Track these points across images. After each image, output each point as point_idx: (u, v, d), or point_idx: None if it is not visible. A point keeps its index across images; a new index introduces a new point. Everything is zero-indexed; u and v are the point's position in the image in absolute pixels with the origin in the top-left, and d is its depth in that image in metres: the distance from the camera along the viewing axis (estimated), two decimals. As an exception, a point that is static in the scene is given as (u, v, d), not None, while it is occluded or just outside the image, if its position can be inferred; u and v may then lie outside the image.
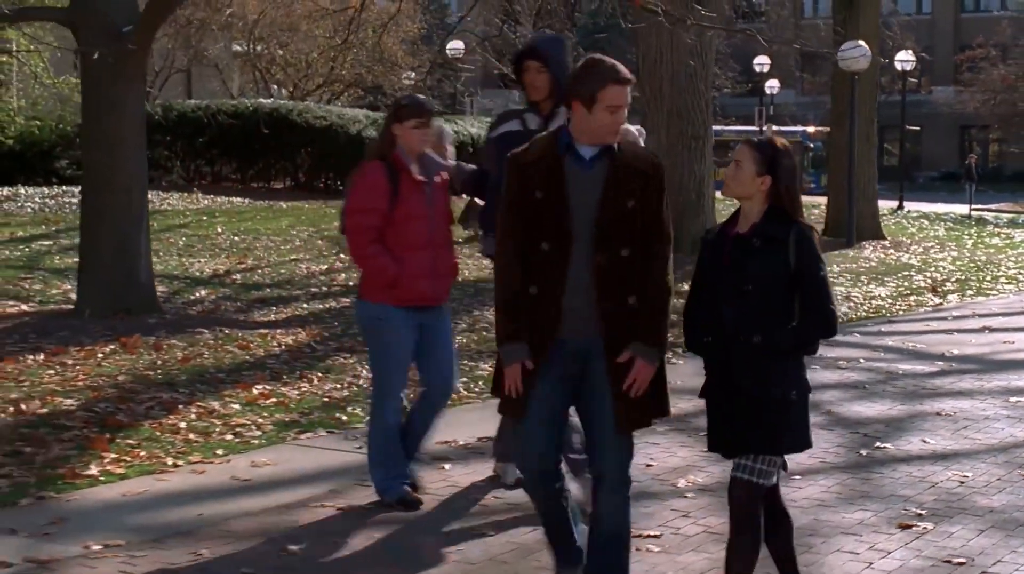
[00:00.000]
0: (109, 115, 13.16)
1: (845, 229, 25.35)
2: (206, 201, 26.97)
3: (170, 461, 7.66)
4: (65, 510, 6.67)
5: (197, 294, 15.41)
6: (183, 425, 8.52)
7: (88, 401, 9.17)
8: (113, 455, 7.70)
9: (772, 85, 50.07)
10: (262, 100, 32.20)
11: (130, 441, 8.07)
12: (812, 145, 56.54)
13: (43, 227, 21.33)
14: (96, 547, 6.06)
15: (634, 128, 6.80)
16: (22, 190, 26.76)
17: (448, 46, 42.05)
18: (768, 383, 4.79)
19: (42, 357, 10.91)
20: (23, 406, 8.91)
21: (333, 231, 22.55)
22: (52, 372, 10.32)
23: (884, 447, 8.35)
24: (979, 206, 41.36)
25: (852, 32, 25.78)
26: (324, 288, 16.48)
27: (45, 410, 8.86)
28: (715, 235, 4.97)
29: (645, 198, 4.93)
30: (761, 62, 46.67)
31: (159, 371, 10.44)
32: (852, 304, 15.91)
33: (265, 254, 19.52)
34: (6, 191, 26.42)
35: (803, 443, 4.93)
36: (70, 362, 10.74)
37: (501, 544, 6.21)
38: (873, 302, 16.27)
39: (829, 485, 7.40)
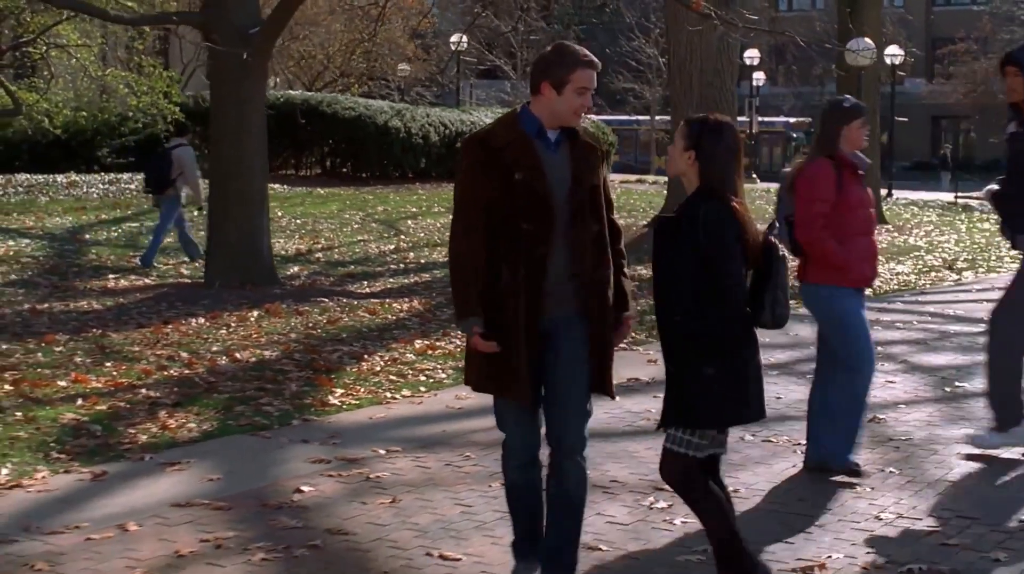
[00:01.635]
0: (236, 110, 14.74)
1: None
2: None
3: (388, 395, 9.30)
4: (333, 428, 8.29)
5: (291, 270, 16.98)
6: (378, 369, 10.15)
7: (283, 353, 10.78)
8: (340, 391, 9.32)
9: (759, 77, 51.84)
10: (291, 92, 33.68)
11: (345, 381, 9.70)
12: (795, 135, 58.47)
13: (118, 211, 22.83)
14: (382, 451, 7.68)
15: None
16: (76, 177, 28.21)
17: (451, 39, 43.63)
18: (684, 359, 4.90)
19: (202, 320, 12.49)
20: (236, 356, 10.53)
21: (381, 215, 24.17)
22: (224, 332, 11.90)
23: (962, 386, 10.05)
24: (962, 194, 43.18)
25: (856, 27, 27.35)
26: (400, 265, 18.07)
27: (254, 359, 10.48)
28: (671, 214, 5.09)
29: (602, 175, 5.18)
30: (752, 55, 48.38)
31: (319, 330, 12.05)
32: (883, 279, 17.65)
33: (333, 236, 21.10)
34: (60, 178, 27.87)
35: (727, 418, 5.02)
36: (232, 324, 12.33)
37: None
38: (899, 277, 18.00)
39: (931, 411, 9.08)
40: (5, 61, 27.91)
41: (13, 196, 24.56)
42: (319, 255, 18.83)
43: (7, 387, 9.14)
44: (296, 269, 17.14)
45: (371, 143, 30.71)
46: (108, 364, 10.13)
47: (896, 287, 16.97)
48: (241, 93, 14.63)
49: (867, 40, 26.13)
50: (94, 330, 11.80)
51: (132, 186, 26.53)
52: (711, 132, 4.91)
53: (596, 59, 5.11)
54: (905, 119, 51.90)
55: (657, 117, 54.60)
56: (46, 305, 13.37)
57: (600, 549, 5.92)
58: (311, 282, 15.97)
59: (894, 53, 40.34)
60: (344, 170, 32.36)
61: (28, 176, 27.64)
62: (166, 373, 9.81)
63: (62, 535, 5.97)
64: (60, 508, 6.44)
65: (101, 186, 26.86)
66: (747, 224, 4.91)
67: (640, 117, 56.84)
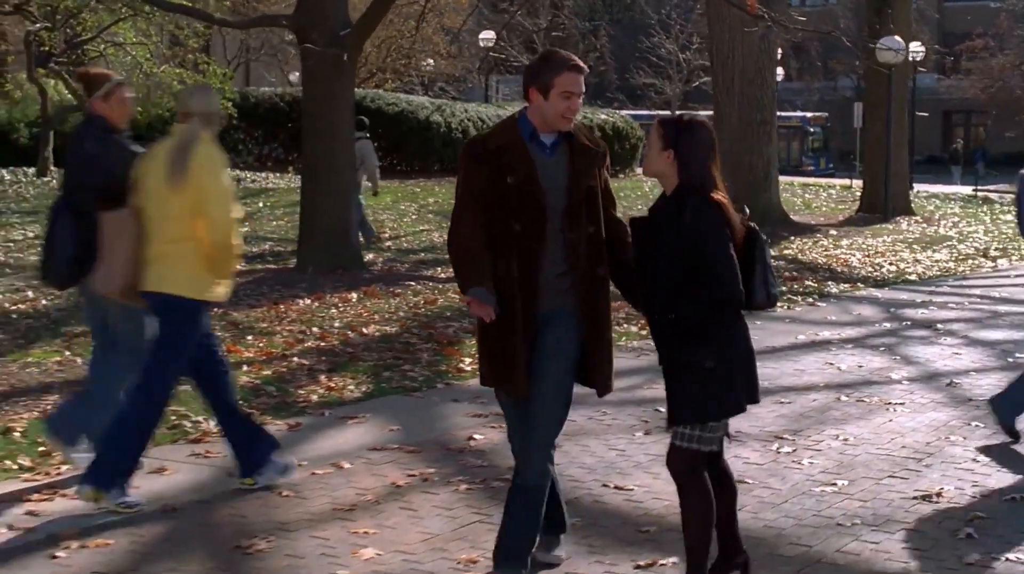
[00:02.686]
0: (327, 107, 15.79)
1: (881, 207, 28.12)
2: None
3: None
4: (474, 390, 9.29)
5: (368, 257, 18.02)
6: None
7: (402, 328, 11.86)
8: (468, 359, 10.38)
9: (779, 73, 52.78)
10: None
11: (471, 351, 10.76)
12: (812, 130, 59.44)
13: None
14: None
15: None
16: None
17: (481, 35, 44.67)
18: (686, 355, 4.90)
19: (308, 301, 13.55)
20: (363, 330, 11.61)
21: (433, 206, 25.23)
22: (335, 311, 12.96)
23: (1022, 357, 11.10)
24: (981, 187, 44.14)
25: (886, 25, 28.28)
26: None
27: (379, 333, 11.56)
28: (645, 214, 5.08)
29: (600, 177, 5.25)
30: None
31: (422, 309, 13.12)
32: (924, 265, 18.71)
33: (396, 225, 22.17)
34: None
35: (729, 409, 5.02)
36: (338, 304, 13.38)
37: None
38: (939, 264, 19.05)
39: (999, 377, 10.10)
40: (63, 59, 28.95)
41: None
42: (389, 243, 19.89)
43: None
44: (371, 256, 18.16)
45: (413, 138, 31.78)
46: (249, 338, 11.18)
47: (937, 273, 17.99)
48: (332, 91, 15.68)
49: (898, 39, 27.11)
50: (213, 310, 12.82)
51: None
52: (687, 131, 4.91)
53: (583, 64, 5.20)
54: (926, 114, 52.94)
55: (677, 112, 55.57)
56: (156, 288, 14.38)
57: (746, 481, 6.98)
58: (389, 268, 17.00)
59: (916, 50, 41.27)
60: (388, 164, 33.41)
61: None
62: (306, 345, 10.88)
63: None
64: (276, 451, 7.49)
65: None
66: (730, 215, 4.92)
67: (661, 112, 57.89)
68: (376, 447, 7.61)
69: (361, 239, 17.70)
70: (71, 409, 6.93)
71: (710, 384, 4.89)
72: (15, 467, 7.06)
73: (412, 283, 15.14)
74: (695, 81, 55.76)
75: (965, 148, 58.88)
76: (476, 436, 7.94)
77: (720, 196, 4.92)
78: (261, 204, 24.13)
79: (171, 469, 7.09)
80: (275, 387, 9.21)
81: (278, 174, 30.90)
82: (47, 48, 28.46)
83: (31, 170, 28.45)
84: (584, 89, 5.19)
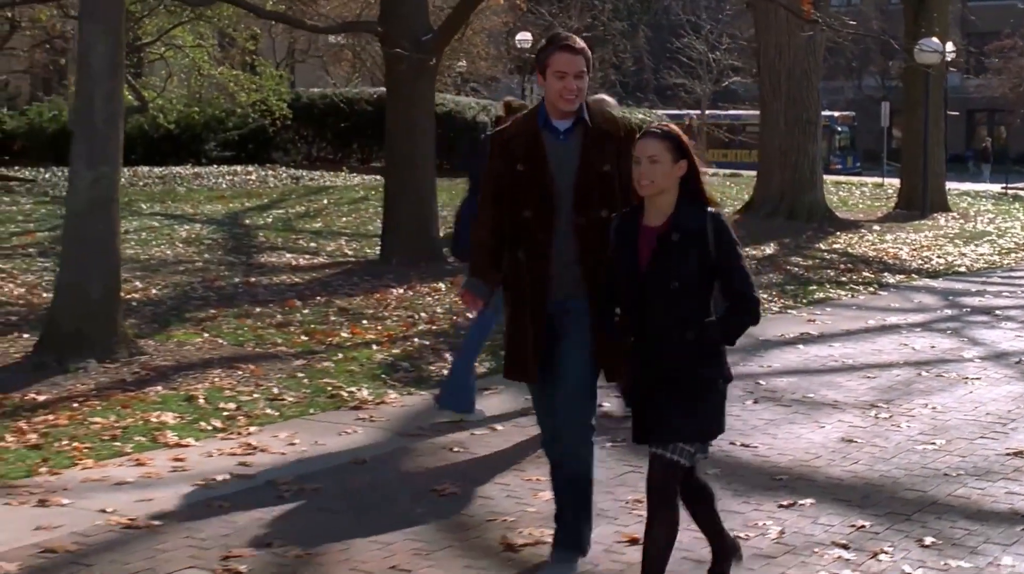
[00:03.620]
0: (410, 108, 16.72)
1: (919, 203, 28.95)
2: (357, 179, 30.52)
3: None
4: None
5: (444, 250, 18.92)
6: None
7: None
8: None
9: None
10: (382, 89, 35.65)
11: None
12: (840, 129, 60.23)
13: (255, 199, 24.88)
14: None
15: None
16: (198, 169, 30.28)
17: (517, 36, 45.58)
18: (702, 375, 4.79)
19: (400, 290, 14.47)
20: (468, 316, 12.52)
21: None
22: (430, 299, 13.88)
23: (1089, 338, 12.01)
24: (1010, 186, 44.88)
25: (925, 25, 28.95)
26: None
27: (481, 317, 12.47)
28: (626, 226, 4.87)
29: (621, 162, 5.12)
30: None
31: (512, 297, 14.03)
32: (971, 258, 19.59)
33: (460, 220, 23.09)
34: (180, 170, 29.95)
35: (719, 429, 4.96)
36: (429, 292, 14.29)
37: None
38: (984, 257, 19.92)
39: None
40: (126, 62, 29.94)
41: (153, 186, 26.62)
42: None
43: (303, 337, 11.15)
44: (446, 249, 19.03)
45: (461, 137, 32.70)
46: (364, 322, 12.12)
47: (984, 265, 18.86)
48: (414, 94, 16.59)
49: (935, 40, 27.91)
50: (317, 298, 13.78)
51: (252, 176, 28.63)
52: (687, 140, 4.81)
53: (580, 45, 5.16)
54: (956, 113, 53.69)
55: (707, 111, 56.43)
56: (253, 279, 15.34)
57: (856, 441, 7.90)
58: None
59: (948, 50, 42.04)
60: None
61: (148, 168, 29.66)
62: (419, 328, 11.81)
63: (452, 433, 7.98)
64: (428, 416, 8.45)
65: (225, 177, 28.92)
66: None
67: (691, 111, 58.73)
68: (521, 413, 8.52)
69: None
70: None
71: (722, 402, 4.89)
72: (209, 428, 8.00)
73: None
74: (724, 81, 56.56)
75: (993, 146, 59.58)
76: (604, 404, 8.84)
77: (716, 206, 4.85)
78: (326, 201, 25.08)
79: (348, 430, 8.02)
80: (408, 364, 10.14)
81: (332, 172, 31.84)
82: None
83: (96, 169, 29.47)
84: (582, 69, 5.11)
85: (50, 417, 8.11)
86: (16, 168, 29.42)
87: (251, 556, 5.66)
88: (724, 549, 5.24)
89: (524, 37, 44.89)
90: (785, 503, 6.59)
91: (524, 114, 5.40)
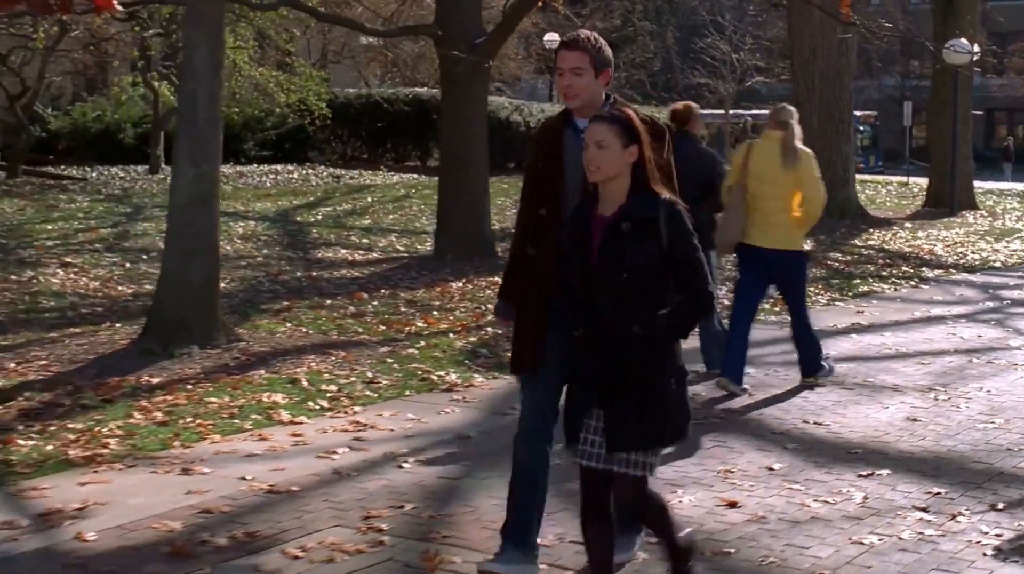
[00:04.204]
0: (464, 109, 17.30)
1: (947, 201, 29.48)
2: (395, 178, 31.14)
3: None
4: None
5: (500, 248, 19.50)
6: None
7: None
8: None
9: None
10: (418, 90, 36.30)
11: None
12: (862, 128, 60.67)
13: (301, 197, 25.50)
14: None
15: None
16: (240, 168, 30.92)
17: (545, 38, 46.14)
18: (650, 374, 4.57)
19: (459, 284, 15.05)
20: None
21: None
22: (489, 292, 14.45)
23: None
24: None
25: (953, 26, 29.47)
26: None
27: (545, 309, 13.06)
28: (579, 216, 4.76)
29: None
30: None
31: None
32: (1005, 254, 20.15)
33: (502, 218, 23.69)
34: (225, 169, 30.60)
35: (683, 431, 4.73)
36: (487, 286, 14.87)
37: None
38: (1017, 253, 20.46)
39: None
40: (170, 63, 30.55)
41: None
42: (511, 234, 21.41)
43: (382, 327, 11.75)
44: (501, 248, 19.60)
45: (495, 137, 33.26)
46: (434, 313, 12.72)
47: (1018, 260, 19.41)
48: (468, 95, 17.18)
49: (964, 41, 28.42)
50: (381, 291, 14.38)
51: (294, 175, 29.28)
52: (639, 125, 4.65)
53: (580, 41, 5.13)
54: (980, 112, 54.14)
55: (731, 111, 56.93)
56: (314, 273, 15.95)
57: (920, 420, 8.48)
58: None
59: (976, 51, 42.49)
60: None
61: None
62: (488, 318, 12.39)
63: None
64: (515, 398, 9.02)
65: (268, 175, 29.57)
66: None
67: (714, 111, 59.22)
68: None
69: None
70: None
71: (677, 404, 4.66)
72: (317, 408, 8.60)
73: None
74: (747, 81, 57.00)
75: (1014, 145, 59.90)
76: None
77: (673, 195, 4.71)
78: (369, 199, 25.67)
79: (445, 410, 8.62)
80: (487, 350, 10.73)
81: (370, 171, 32.44)
82: (154, 53, 30.10)
83: (140, 168, 30.06)
84: (578, 65, 5.08)
85: (168, 397, 8.71)
86: (62, 167, 30.08)
87: (389, 516, 6.25)
88: (679, 555, 4.97)
89: (552, 38, 45.43)
90: (864, 473, 7.16)
91: (559, 112, 5.34)
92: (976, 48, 41.24)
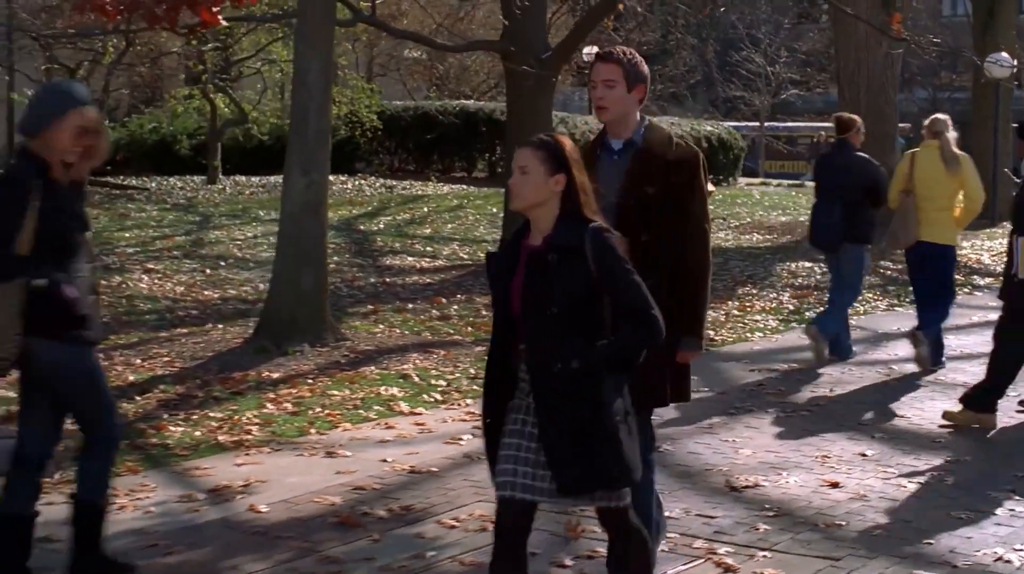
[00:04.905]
0: (530, 119, 17.93)
1: (988, 212, 30.02)
2: (446, 188, 31.81)
3: (748, 334, 12.48)
4: (733, 353, 11.49)
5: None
6: (723, 319, 13.35)
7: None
8: (715, 330, 12.51)
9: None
10: (463, 102, 36.97)
11: (715, 323, 12.89)
12: (899, 140, 61.19)
13: (358, 207, 26.20)
14: (781, 367, 10.88)
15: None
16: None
17: (584, 51, 46.76)
18: (593, 410, 4.31)
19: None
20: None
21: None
22: (562, 297, 15.12)
23: None
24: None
25: (991, 39, 29.96)
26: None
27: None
28: (509, 247, 4.52)
29: (667, 185, 5.03)
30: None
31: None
32: (1051, 263, 20.67)
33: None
34: (279, 179, 31.32)
35: (633, 470, 4.43)
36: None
37: None
38: (1062, 262, 20.98)
39: None
40: (225, 75, 31.32)
41: (259, 194, 28.00)
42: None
43: (469, 328, 12.42)
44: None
45: (538, 147, 33.94)
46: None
47: (1064, 270, 19.92)
48: (535, 108, 17.83)
49: (1005, 55, 28.95)
50: (457, 295, 15.04)
51: (348, 186, 30.00)
52: (571, 152, 4.43)
53: (613, 53, 5.11)
54: (1016, 124, 54.59)
55: (766, 123, 57.54)
56: (388, 279, 16.62)
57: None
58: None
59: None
60: (499, 171, 35.52)
61: (246, 178, 31.04)
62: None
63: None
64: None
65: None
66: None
67: (749, 123, 59.85)
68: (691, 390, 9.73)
69: None
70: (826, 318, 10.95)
71: (627, 436, 4.40)
72: (431, 400, 9.27)
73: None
74: (783, 93, 57.55)
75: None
76: (764, 383, 10.08)
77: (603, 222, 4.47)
78: (425, 208, 26.35)
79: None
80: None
81: (420, 182, 33.12)
82: (210, 66, 30.88)
83: (197, 178, 30.81)
84: (610, 78, 5.05)
85: (293, 390, 9.40)
86: (120, 178, 30.86)
87: (527, 492, 6.90)
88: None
89: (591, 51, 46.00)
90: (949, 459, 7.81)
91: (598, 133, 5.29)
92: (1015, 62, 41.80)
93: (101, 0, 12.72)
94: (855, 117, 10.89)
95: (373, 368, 10.28)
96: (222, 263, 17.40)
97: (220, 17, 12.11)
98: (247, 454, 7.71)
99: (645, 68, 5.19)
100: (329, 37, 10.72)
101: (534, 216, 4.45)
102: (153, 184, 29.14)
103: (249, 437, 8.09)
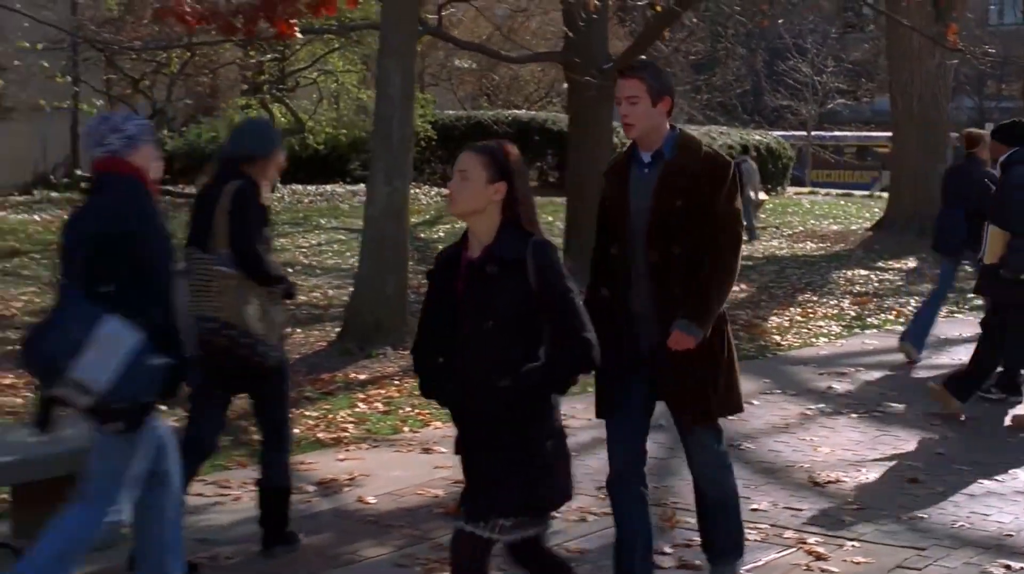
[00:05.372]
0: (591, 128, 18.31)
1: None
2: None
3: (814, 340, 12.78)
4: (802, 357, 11.78)
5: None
6: (787, 325, 13.64)
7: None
8: (777, 335, 12.81)
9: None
10: (516, 111, 37.36)
11: (776, 327, 13.21)
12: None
13: (416, 215, 26.58)
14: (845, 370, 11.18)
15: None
16: (351, 187, 32.09)
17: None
18: (521, 433, 4.12)
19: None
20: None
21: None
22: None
23: None
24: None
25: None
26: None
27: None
28: (444, 260, 4.32)
29: (697, 196, 4.92)
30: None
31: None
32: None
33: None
34: (330, 189, 31.80)
35: (563, 495, 4.26)
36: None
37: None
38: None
39: None
40: (283, 86, 31.79)
41: (318, 203, 28.46)
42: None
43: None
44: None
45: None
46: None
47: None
48: (597, 118, 18.18)
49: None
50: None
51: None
52: (516, 160, 4.26)
53: (634, 68, 5.06)
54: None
55: (813, 132, 57.64)
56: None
57: None
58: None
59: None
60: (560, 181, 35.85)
61: (303, 187, 31.49)
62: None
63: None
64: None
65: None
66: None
67: (796, 132, 59.99)
68: (764, 392, 10.06)
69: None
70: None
71: (553, 464, 4.20)
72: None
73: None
74: (829, 103, 57.62)
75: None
76: (834, 385, 10.40)
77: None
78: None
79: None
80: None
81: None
82: (267, 76, 31.38)
83: (254, 186, 31.30)
84: (633, 94, 4.97)
85: (381, 391, 9.78)
86: (179, 186, 31.38)
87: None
88: None
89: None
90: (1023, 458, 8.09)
91: (629, 146, 5.17)
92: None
93: (181, 10, 13.20)
94: (983, 132, 11.19)
95: (457, 371, 10.62)
96: (290, 270, 17.77)
97: (296, 29, 12.51)
98: (347, 450, 8.08)
99: (668, 79, 5.12)
100: (412, 49, 11.10)
101: (472, 224, 4.25)
102: (213, 192, 29.58)
103: (346, 434, 8.46)
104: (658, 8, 17.68)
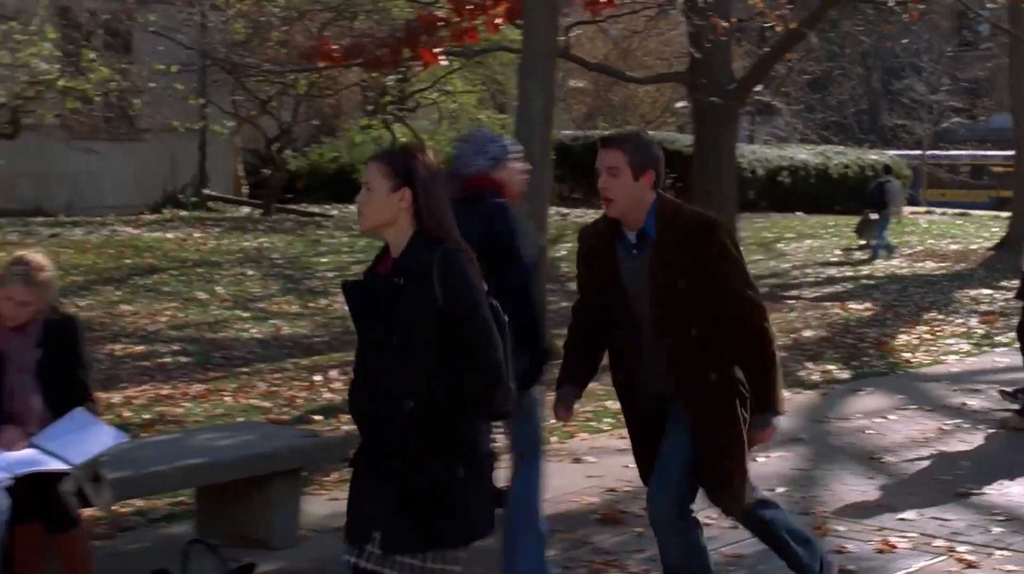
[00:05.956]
0: (716, 146, 18.55)
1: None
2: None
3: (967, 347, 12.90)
4: (936, 374, 11.91)
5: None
6: (903, 343, 13.76)
7: (828, 333, 14.48)
8: (906, 354, 12.94)
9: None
10: (632, 128, 37.68)
11: (904, 346, 13.33)
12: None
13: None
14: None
15: None
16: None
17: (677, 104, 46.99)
18: (427, 460, 3.76)
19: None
20: (800, 335, 14.26)
21: (748, 238, 27.71)
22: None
23: None
24: None
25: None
26: (815, 278, 21.58)
27: (815, 337, 14.19)
28: (365, 275, 3.99)
29: (698, 270, 4.61)
30: None
31: (833, 319, 15.69)
32: None
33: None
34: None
35: (476, 531, 3.88)
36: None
37: None
38: None
39: None
40: (403, 106, 32.36)
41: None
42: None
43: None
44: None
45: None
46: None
47: None
48: (718, 138, 18.42)
49: None
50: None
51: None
52: (422, 165, 3.88)
53: (616, 138, 4.77)
54: None
55: (928, 152, 57.16)
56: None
57: None
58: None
59: None
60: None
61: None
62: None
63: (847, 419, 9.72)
64: (830, 408, 10.20)
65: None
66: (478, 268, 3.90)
67: (911, 152, 59.49)
68: (900, 407, 10.24)
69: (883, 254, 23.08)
70: None
71: (461, 498, 3.81)
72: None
73: (791, 302, 17.69)
74: (944, 122, 57.09)
75: None
76: (968, 402, 10.54)
77: (464, 246, 3.88)
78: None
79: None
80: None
81: (592, 210, 33.82)
82: (388, 97, 31.98)
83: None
84: (612, 164, 4.66)
85: (526, 403, 10.08)
86: (302, 205, 32.10)
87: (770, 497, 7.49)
88: None
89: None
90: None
91: (604, 219, 4.86)
92: None
93: (327, 48, 13.68)
94: None
95: (596, 384, 10.89)
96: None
97: (440, 58, 12.90)
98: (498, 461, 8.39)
99: (655, 150, 4.77)
100: (551, 71, 11.39)
101: (387, 237, 3.90)
102: (335, 211, 30.25)
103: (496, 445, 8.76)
104: (778, 28, 17.86)
